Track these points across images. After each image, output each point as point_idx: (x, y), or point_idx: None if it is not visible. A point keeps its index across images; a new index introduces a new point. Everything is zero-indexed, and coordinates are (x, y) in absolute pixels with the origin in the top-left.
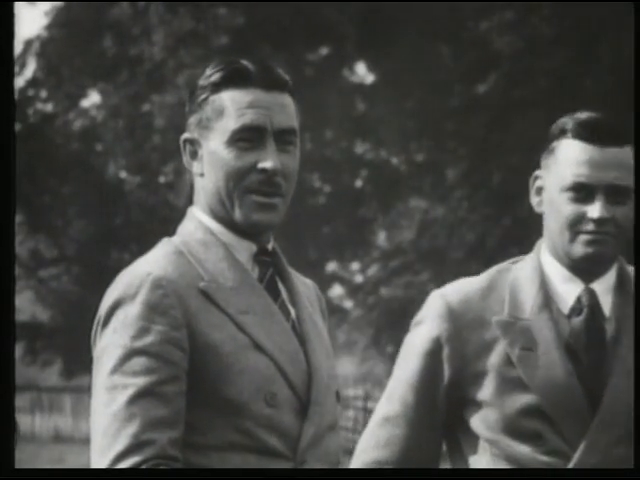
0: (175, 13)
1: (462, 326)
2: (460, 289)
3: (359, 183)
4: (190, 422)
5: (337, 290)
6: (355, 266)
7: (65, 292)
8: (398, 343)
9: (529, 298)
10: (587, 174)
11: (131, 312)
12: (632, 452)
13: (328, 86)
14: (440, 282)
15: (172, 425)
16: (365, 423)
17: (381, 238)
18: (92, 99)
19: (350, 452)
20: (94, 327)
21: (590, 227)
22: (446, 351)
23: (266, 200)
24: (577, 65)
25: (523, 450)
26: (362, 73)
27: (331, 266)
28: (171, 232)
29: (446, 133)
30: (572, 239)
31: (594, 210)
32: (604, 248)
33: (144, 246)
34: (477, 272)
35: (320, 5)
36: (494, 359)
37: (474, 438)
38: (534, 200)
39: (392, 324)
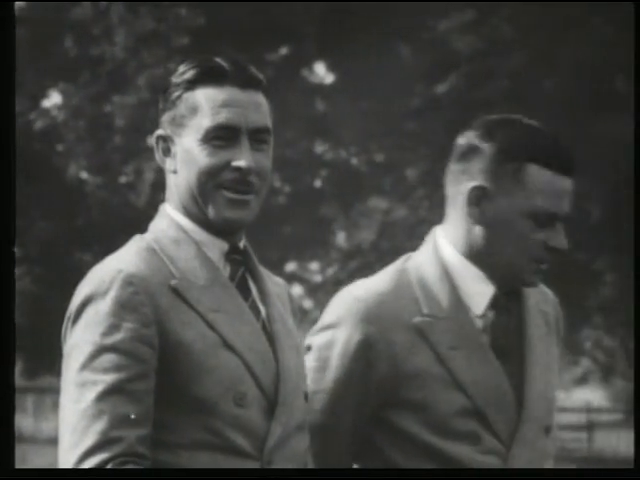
0: (136, 13)
1: (386, 328)
2: (372, 291)
3: (319, 183)
4: (160, 420)
5: (297, 290)
6: (315, 266)
7: (27, 293)
8: None
9: (443, 298)
10: (557, 203)
11: (102, 309)
12: (549, 443)
13: (288, 86)
14: None
15: (140, 423)
16: None
17: (341, 238)
18: (53, 99)
19: None
20: (64, 323)
21: (546, 257)
22: (374, 354)
23: (239, 197)
24: (537, 66)
25: (460, 451)
26: (321, 73)
27: (291, 266)
28: (132, 232)
29: (406, 133)
30: (526, 267)
31: (555, 239)
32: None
33: (106, 246)
34: None
35: (280, 5)
36: (422, 359)
37: (406, 441)
38: (473, 211)
39: None
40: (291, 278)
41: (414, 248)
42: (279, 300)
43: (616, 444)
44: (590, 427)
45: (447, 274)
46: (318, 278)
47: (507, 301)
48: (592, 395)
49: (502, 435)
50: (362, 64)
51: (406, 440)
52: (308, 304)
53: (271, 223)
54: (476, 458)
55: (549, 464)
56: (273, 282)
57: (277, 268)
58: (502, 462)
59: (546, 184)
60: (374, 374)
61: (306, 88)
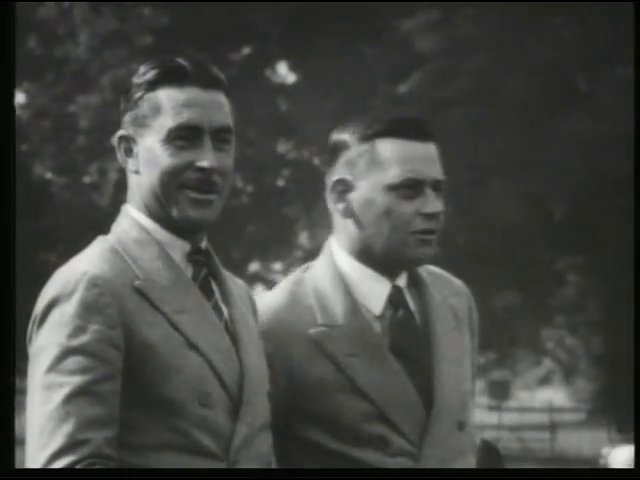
0: (99, 13)
1: (281, 342)
2: (266, 307)
3: (282, 183)
4: (125, 421)
5: (259, 290)
6: (278, 266)
7: None
8: None
9: (337, 305)
10: (417, 169)
11: (67, 311)
12: (465, 438)
13: (251, 86)
14: None
15: (107, 424)
16: None
17: (303, 238)
18: (18, 99)
19: None
20: (30, 325)
21: (423, 225)
22: (271, 370)
23: (202, 196)
24: (499, 65)
25: (370, 456)
26: (284, 73)
27: (254, 266)
28: (96, 233)
29: None
30: (406, 241)
31: (425, 205)
32: (433, 248)
33: (70, 247)
34: None
35: (243, 5)
36: (321, 369)
37: (317, 452)
38: (339, 206)
39: None
40: (254, 278)
41: None
42: (241, 301)
43: (578, 444)
44: (553, 427)
45: (341, 280)
46: (281, 278)
47: (407, 299)
48: (555, 395)
49: (411, 436)
50: (325, 64)
51: (316, 450)
52: None
53: (234, 223)
54: (386, 461)
55: (466, 460)
56: (234, 283)
57: (240, 268)
58: (414, 463)
59: (399, 153)
60: (275, 390)
61: (269, 88)
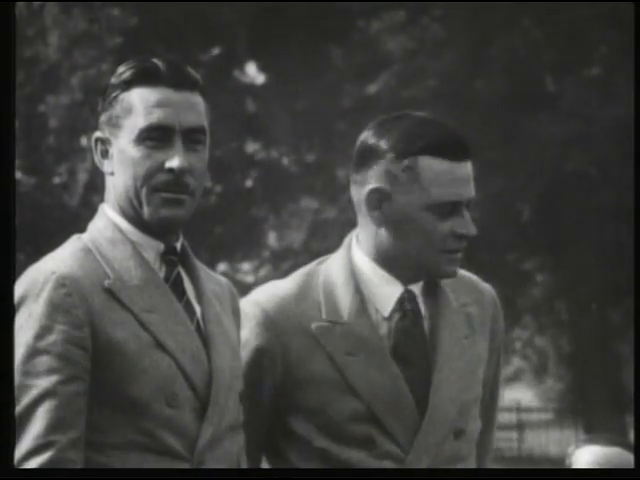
0: (69, 14)
1: (282, 333)
2: (273, 295)
3: (250, 183)
4: (92, 421)
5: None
6: (246, 267)
7: None
8: None
9: (346, 301)
10: (458, 192)
11: (35, 311)
12: (462, 446)
13: (219, 86)
14: None
15: (73, 426)
16: None
17: (272, 239)
18: None
19: None
20: None
21: (456, 245)
22: (269, 360)
23: (174, 196)
24: (467, 66)
25: (355, 456)
26: (253, 73)
27: (222, 267)
28: (65, 233)
29: (336, 133)
30: (437, 259)
31: (461, 226)
32: (459, 266)
33: (39, 248)
34: None
35: (212, 5)
36: (318, 365)
37: (303, 446)
38: (374, 214)
39: None
40: None
41: None
42: (218, 300)
43: (545, 443)
44: (520, 426)
45: (353, 278)
46: (250, 279)
47: (420, 304)
48: (523, 395)
49: (401, 440)
50: (293, 65)
51: (303, 445)
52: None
53: (202, 223)
54: (370, 463)
55: (464, 467)
56: (214, 282)
57: (209, 269)
58: (398, 466)
59: (441, 174)
60: (271, 380)
61: (237, 88)
